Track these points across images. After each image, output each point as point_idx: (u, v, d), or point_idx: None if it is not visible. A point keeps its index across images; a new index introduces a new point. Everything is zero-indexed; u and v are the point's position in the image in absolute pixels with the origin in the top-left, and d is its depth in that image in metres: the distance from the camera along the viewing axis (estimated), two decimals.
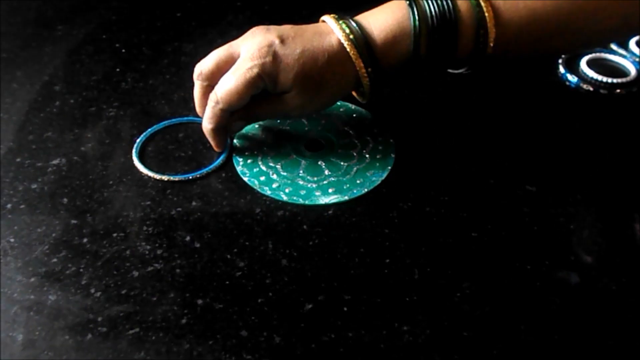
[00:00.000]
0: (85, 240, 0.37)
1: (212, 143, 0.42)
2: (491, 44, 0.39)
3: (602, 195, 0.40)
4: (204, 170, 0.41)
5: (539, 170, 0.41)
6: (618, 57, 0.51)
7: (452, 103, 0.47)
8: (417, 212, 0.38)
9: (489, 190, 0.40)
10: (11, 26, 0.57)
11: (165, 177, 0.40)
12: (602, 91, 0.48)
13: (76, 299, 0.33)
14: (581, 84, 0.48)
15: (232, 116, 0.41)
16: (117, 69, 0.51)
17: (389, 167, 0.41)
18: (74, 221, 0.38)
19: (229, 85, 0.38)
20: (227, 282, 0.34)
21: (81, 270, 0.35)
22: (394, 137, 0.44)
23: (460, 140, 0.44)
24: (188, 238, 0.37)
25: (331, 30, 0.39)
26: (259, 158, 0.42)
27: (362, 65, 0.39)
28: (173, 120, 0.45)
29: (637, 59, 0.51)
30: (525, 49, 0.41)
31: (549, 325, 0.32)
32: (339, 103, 0.47)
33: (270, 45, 0.38)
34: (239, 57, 0.39)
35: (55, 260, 0.36)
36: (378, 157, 0.42)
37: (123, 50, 0.53)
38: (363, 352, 0.31)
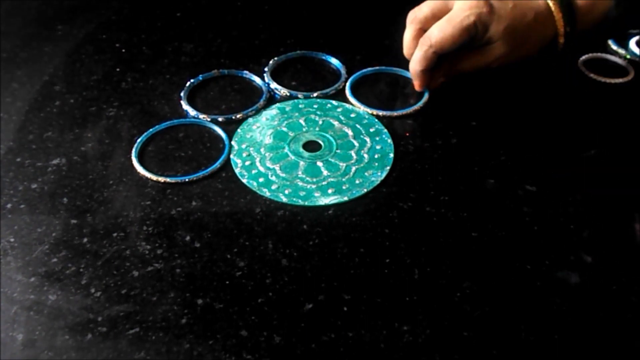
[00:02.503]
0: (85, 240, 0.37)
1: (417, 83, 0.46)
2: None
3: (602, 195, 0.40)
4: (202, 173, 0.41)
5: (539, 170, 0.41)
6: (616, 57, 0.51)
7: (451, 102, 0.47)
8: (417, 212, 0.39)
9: (489, 190, 0.40)
10: (11, 26, 0.57)
11: (162, 179, 0.40)
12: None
13: (76, 299, 0.33)
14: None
15: (436, 72, 0.46)
16: (117, 69, 0.51)
17: (388, 167, 0.41)
18: (74, 221, 0.38)
19: (444, 30, 0.43)
20: (227, 282, 0.34)
21: (81, 270, 0.35)
22: (392, 136, 0.44)
23: (460, 139, 0.44)
24: (188, 238, 0.37)
25: None
26: (257, 160, 0.42)
27: (562, 24, 0.44)
28: (175, 121, 0.45)
29: (637, 59, 0.51)
30: None
31: (549, 325, 0.32)
32: (336, 103, 0.47)
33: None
34: (452, 7, 0.44)
35: (55, 260, 0.36)
36: (376, 157, 0.42)
37: (123, 50, 0.53)
38: (363, 352, 0.31)
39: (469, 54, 0.45)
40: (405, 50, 0.46)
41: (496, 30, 0.43)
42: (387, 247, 0.36)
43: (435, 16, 0.44)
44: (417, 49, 0.44)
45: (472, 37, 0.43)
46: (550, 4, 0.44)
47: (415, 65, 0.44)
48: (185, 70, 0.51)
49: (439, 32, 0.43)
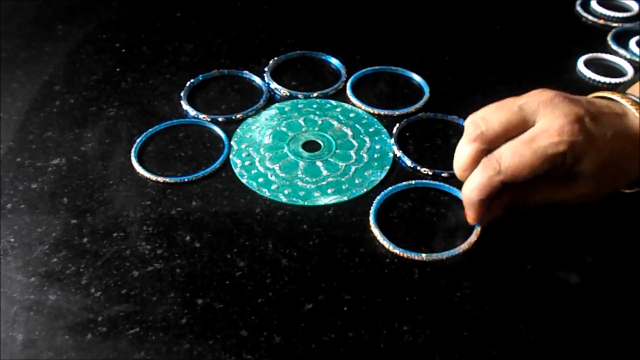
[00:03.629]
0: (85, 240, 0.37)
1: (470, 215, 0.35)
2: None
3: (602, 196, 0.40)
4: (202, 173, 0.41)
5: None
6: (616, 57, 0.51)
7: (451, 102, 0.47)
8: (417, 212, 0.39)
9: None
10: (11, 26, 0.57)
11: (162, 179, 0.40)
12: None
13: (76, 299, 0.34)
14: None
15: (495, 202, 0.35)
16: (117, 69, 0.51)
17: (387, 167, 0.41)
18: (74, 221, 0.38)
19: (521, 155, 0.32)
20: (227, 282, 0.34)
21: (81, 270, 0.35)
22: (391, 136, 0.44)
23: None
24: (188, 238, 0.37)
25: (627, 112, 0.35)
26: (257, 160, 0.42)
27: None
28: (175, 121, 0.45)
29: (637, 59, 0.51)
30: None
31: (549, 325, 0.32)
32: (334, 103, 0.47)
33: (581, 122, 0.33)
34: (533, 124, 0.34)
35: (55, 260, 0.36)
36: (376, 156, 0.42)
37: (123, 50, 0.53)
38: (363, 352, 0.31)
39: (542, 185, 0.35)
40: (459, 171, 0.35)
41: (589, 163, 0.33)
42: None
43: (508, 134, 0.34)
44: (478, 173, 0.34)
45: (555, 168, 0.33)
46: None
47: (473, 193, 0.34)
48: (185, 70, 0.51)
49: (514, 158, 0.32)
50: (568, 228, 0.38)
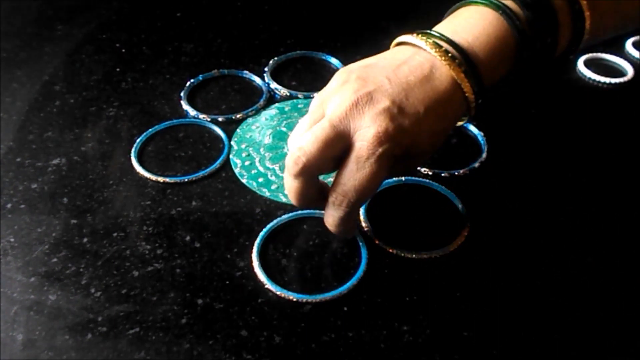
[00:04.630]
0: (85, 240, 0.37)
1: (343, 234, 0.35)
2: (586, 34, 0.37)
3: (602, 195, 0.40)
4: (202, 173, 0.41)
5: (539, 170, 0.41)
6: (615, 57, 0.51)
7: None
8: (417, 211, 0.39)
9: (491, 190, 0.40)
10: (11, 26, 0.57)
11: (162, 179, 0.40)
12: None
13: (76, 299, 0.34)
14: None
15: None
16: (117, 69, 0.51)
17: None
18: (74, 221, 0.38)
19: (361, 182, 0.32)
20: (227, 282, 0.34)
21: (81, 270, 0.35)
22: None
23: (460, 139, 0.44)
24: (188, 238, 0.37)
25: (434, 64, 0.34)
26: (257, 160, 0.42)
27: (473, 98, 0.34)
28: (175, 121, 0.45)
29: (636, 60, 0.51)
30: (614, 28, 0.40)
31: (549, 325, 0.32)
32: None
33: (392, 120, 0.32)
34: (349, 133, 0.32)
35: (55, 260, 0.36)
36: None
37: (123, 50, 0.53)
38: (363, 352, 0.31)
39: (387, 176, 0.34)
40: (299, 205, 0.34)
41: (419, 149, 0.34)
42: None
43: (330, 156, 0.32)
44: (333, 210, 0.33)
45: (391, 168, 0.33)
46: (463, 86, 0.33)
47: (339, 227, 0.34)
48: (185, 70, 0.51)
49: (355, 186, 0.32)
50: (568, 228, 0.38)
